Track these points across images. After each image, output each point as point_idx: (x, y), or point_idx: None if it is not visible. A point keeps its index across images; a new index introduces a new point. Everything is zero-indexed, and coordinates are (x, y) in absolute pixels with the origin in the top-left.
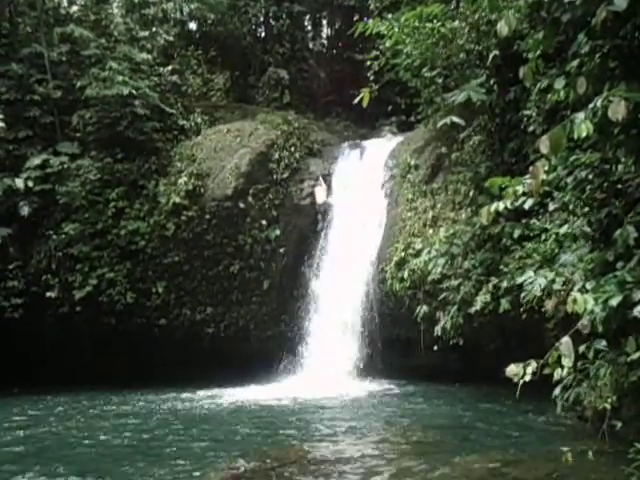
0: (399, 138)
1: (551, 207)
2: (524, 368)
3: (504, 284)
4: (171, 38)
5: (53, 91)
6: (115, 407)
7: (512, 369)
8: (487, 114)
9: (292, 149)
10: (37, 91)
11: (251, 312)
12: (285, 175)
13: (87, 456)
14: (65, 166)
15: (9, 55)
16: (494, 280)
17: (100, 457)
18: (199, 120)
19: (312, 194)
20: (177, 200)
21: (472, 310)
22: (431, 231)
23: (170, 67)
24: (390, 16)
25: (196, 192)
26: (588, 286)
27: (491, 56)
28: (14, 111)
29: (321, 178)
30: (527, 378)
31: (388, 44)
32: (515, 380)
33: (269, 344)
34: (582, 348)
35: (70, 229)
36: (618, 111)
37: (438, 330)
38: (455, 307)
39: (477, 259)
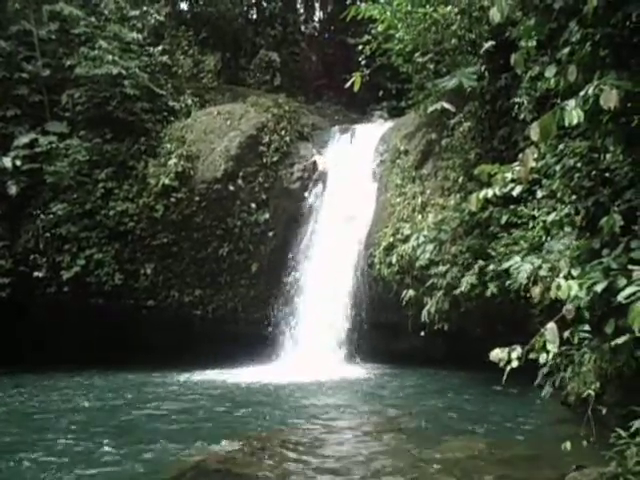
0: (390, 123)
1: (539, 194)
2: (509, 353)
3: (491, 267)
4: (162, 18)
5: (42, 69)
6: (97, 388)
7: (496, 353)
8: (478, 101)
9: (282, 132)
10: (26, 69)
11: (239, 295)
12: (275, 158)
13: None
14: (54, 145)
15: None
16: (481, 263)
17: (75, 437)
18: (189, 102)
19: (306, 169)
20: (166, 182)
21: (458, 292)
22: (420, 217)
23: (160, 47)
24: (382, 0)
25: (185, 174)
26: (574, 273)
27: (485, 46)
28: (2, 89)
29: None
30: (514, 364)
31: (380, 28)
32: (500, 365)
33: (257, 327)
34: (567, 334)
35: (58, 209)
36: (610, 99)
37: (424, 315)
38: (441, 292)
39: (465, 245)
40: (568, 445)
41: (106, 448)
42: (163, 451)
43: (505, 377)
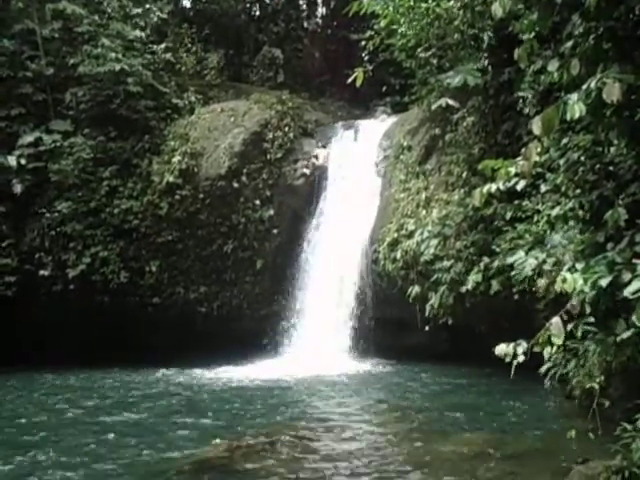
0: (393, 119)
1: (543, 189)
2: (514, 348)
3: (495, 264)
4: (165, 15)
5: (45, 68)
6: (97, 387)
7: (502, 348)
8: (481, 95)
9: (286, 129)
10: (29, 68)
11: (244, 291)
12: (279, 155)
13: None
14: (58, 144)
15: (1, 31)
16: (486, 260)
17: (72, 435)
18: (193, 99)
19: (309, 165)
20: (171, 179)
21: (463, 289)
22: (424, 212)
23: (163, 45)
24: None
25: (190, 171)
26: (578, 267)
27: (486, 40)
28: (6, 88)
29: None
30: (520, 359)
31: (383, 24)
32: (507, 360)
33: (262, 323)
34: (570, 327)
35: (63, 207)
36: (613, 93)
37: (428, 309)
38: (445, 287)
39: (469, 240)
40: (573, 439)
41: (107, 445)
42: (165, 448)
43: (513, 372)
